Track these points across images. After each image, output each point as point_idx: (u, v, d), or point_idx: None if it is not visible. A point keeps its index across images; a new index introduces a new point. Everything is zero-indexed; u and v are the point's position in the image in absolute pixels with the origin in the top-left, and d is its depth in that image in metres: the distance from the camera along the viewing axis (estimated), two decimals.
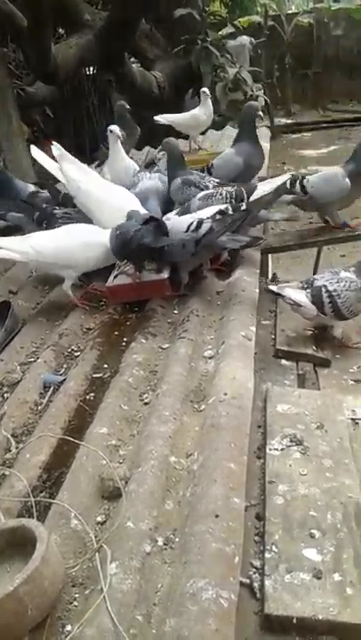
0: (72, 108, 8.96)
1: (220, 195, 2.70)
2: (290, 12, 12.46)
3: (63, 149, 2.86)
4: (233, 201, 2.65)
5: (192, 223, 2.40)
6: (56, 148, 2.84)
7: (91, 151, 8.53)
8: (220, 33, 7.73)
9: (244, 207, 2.46)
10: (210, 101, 4.55)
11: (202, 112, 4.53)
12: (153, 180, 3.13)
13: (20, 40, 5.98)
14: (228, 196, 2.68)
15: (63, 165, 2.82)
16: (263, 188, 2.78)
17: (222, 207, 2.47)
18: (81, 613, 1.21)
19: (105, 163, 3.66)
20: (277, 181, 2.87)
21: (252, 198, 2.70)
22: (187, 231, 2.41)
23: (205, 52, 7.31)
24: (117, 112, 4.04)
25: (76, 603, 1.26)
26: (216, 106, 6.72)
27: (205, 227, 2.37)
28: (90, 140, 8.94)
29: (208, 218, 2.40)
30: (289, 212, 3.22)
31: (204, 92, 4.51)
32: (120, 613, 1.17)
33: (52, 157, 2.98)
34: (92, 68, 8.42)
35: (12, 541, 1.30)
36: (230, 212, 2.43)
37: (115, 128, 3.29)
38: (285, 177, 2.96)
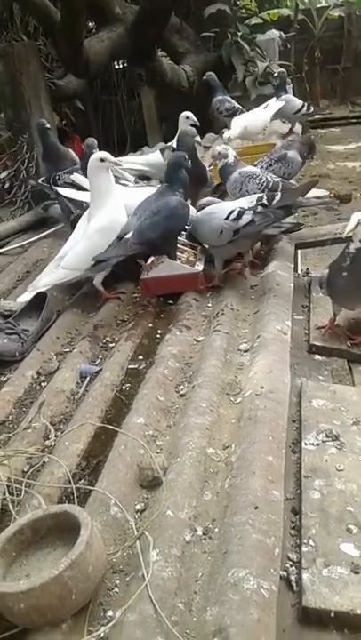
0: (102, 102, 9.00)
1: (259, 179, 2.70)
2: (320, 5, 12.30)
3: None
4: (266, 190, 2.65)
5: (233, 211, 2.41)
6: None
7: (119, 143, 8.59)
8: (245, 22, 7.70)
9: (276, 200, 2.45)
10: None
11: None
12: None
13: (52, 34, 6.01)
14: (265, 183, 2.69)
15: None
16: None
17: (257, 197, 2.47)
18: (122, 599, 1.23)
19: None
20: (315, 193, 2.87)
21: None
22: (227, 218, 2.41)
23: (236, 46, 7.29)
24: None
25: (117, 589, 1.27)
26: (245, 99, 6.73)
27: (246, 218, 2.38)
28: (118, 133, 8.99)
29: (250, 209, 2.40)
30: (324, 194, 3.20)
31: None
32: (161, 600, 1.18)
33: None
34: (122, 62, 8.44)
35: (54, 527, 1.32)
36: (265, 200, 2.42)
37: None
38: (321, 192, 2.98)
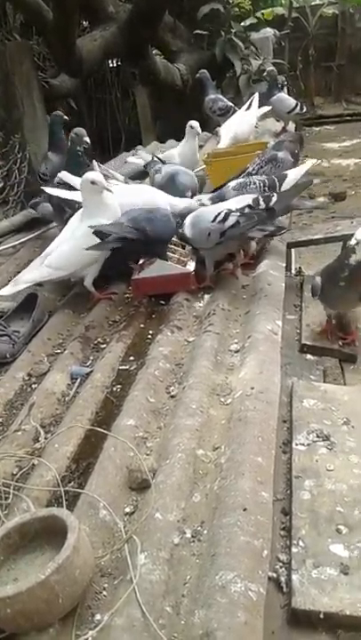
0: (96, 101, 8.99)
1: (254, 184, 2.71)
2: (314, 3, 12.29)
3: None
4: (266, 189, 2.66)
5: (220, 214, 2.41)
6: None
7: (113, 142, 8.58)
8: (242, 23, 7.71)
9: (274, 201, 2.45)
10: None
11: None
12: (174, 166, 3.26)
13: (45, 33, 5.99)
14: (262, 184, 2.70)
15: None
16: (292, 176, 2.80)
17: (252, 198, 2.47)
18: (110, 603, 1.22)
19: None
20: (304, 168, 2.90)
21: (283, 187, 2.71)
22: (213, 221, 2.42)
23: (230, 44, 7.28)
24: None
25: (105, 592, 1.27)
26: (239, 98, 6.72)
27: (232, 220, 2.38)
28: (112, 132, 8.97)
29: (237, 210, 2.40)
30: (318, 201, 3.22)
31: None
32: (149, 604, 1.18)
33: None
34: (115, 61, 8.43)
35: (41, 530, 1.32)
36: (261, 202, 2.43)
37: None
38: (310, 163, 2.99)
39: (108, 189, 2.49)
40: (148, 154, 3.89)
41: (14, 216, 4.15)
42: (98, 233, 2.40)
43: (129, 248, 2.48)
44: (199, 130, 3.51)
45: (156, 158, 3.61)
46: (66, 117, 4.00)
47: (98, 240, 2.42)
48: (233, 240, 2.47)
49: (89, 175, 2.49)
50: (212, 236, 2.42)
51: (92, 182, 2.46)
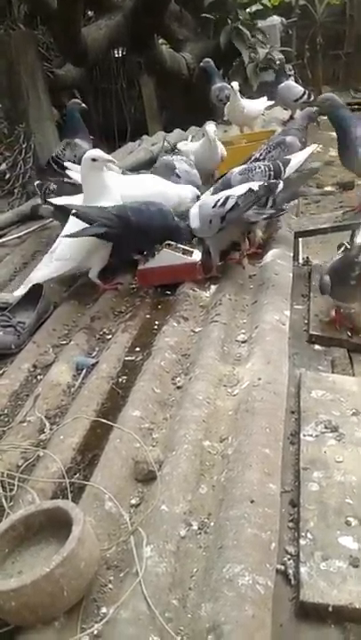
0: (101, 91, 8.94)
1: (259, 168, 2.69)
2: None
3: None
4: (271, 174, 2.65)
5: (219, 199, 2.41)
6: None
7: (119, 134, 8.53)
8: (247, 10, 7.63)
9: (280, 185, 2.42)
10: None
11: None
12: (182, 163, 3.22)
13: (49, 22, 5.94)
14: (267, 169, 2.68)
15: None
16: (295, 160, 2.78)
17: (258, 185, 2.44)
18: (116, 596, 1.21)
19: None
20: (307, 152, 2.89)
21: (287, 171, 2.70)
22: (214, 207, 2.42)
23: (236, 33, 7.21)
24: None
25: (110, 585, 1.25)
26: (247, 87, 6.65)
27: (231, 202, 2.37)
28: (118, 122, 8.92)
29: (238, 195, 2.39)
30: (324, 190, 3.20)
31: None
32: (155, 597, 1.16)
33: None
34: (121, 50, 8.37)
35: (47, 522, 1.30)
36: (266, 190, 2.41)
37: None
38: (313, 148, 2.98)
39: (110, 160, 2.48)
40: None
41: (19, 207, 4.14)
42: (79, 216, 2.38)
43: (113, 237, 2.45)
44: (212, 135, 3.44)
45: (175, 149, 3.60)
46: (84, 105, 3.98)
47: None
48: (234, 225, 2.44)
49: (89, 153, 2.48)
50: (213, 222, 2.41)
51: (93, 159, 2.45)
